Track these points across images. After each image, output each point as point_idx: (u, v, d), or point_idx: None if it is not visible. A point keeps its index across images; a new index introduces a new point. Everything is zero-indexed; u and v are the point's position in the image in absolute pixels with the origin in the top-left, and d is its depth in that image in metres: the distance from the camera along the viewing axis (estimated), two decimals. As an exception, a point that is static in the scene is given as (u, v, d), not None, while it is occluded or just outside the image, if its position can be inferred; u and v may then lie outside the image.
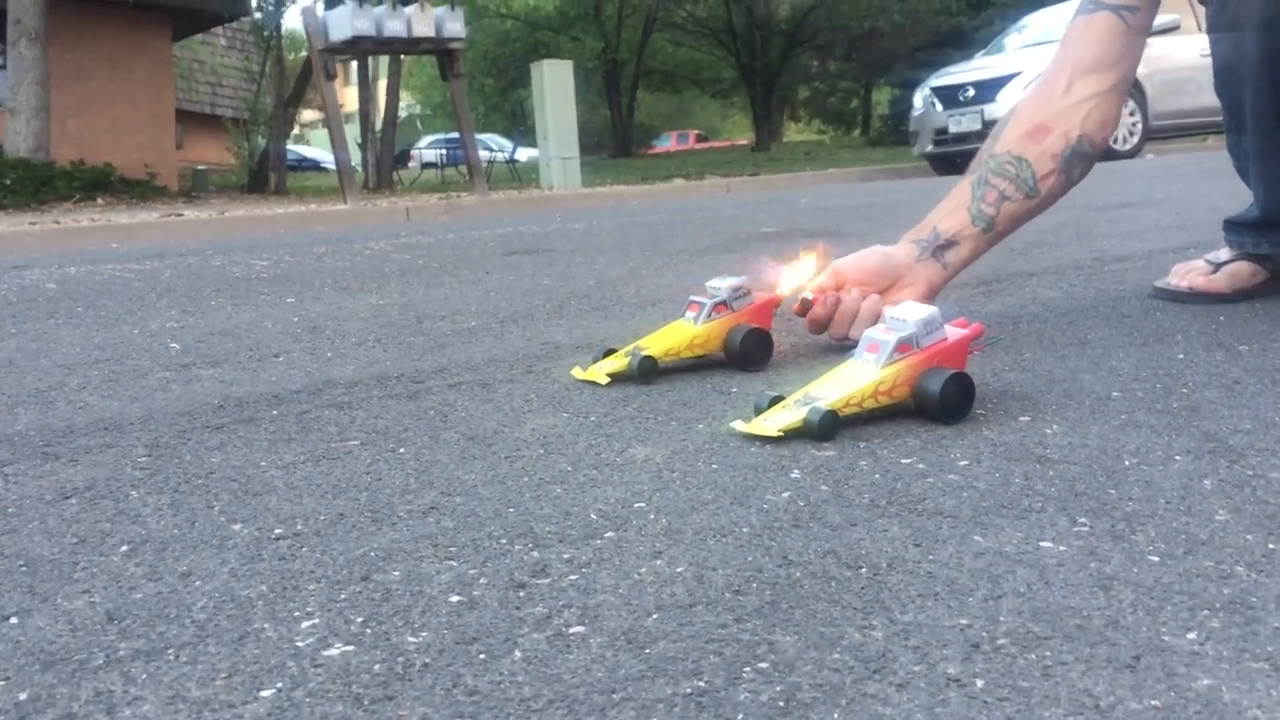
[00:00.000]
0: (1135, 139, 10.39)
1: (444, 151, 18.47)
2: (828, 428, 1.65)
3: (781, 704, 0.95)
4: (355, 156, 14.88)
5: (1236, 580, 1.15)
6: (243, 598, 1.20)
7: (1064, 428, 1.68)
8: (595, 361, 2.14)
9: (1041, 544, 1.26)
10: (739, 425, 1.71)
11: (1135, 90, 10.25)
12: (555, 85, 14.34)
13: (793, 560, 1.24)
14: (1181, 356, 2.09)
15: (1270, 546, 1.23)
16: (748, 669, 1.01)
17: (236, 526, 1.42)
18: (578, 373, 2.14)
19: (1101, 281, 3.00)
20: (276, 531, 1.40)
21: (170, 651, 1.09)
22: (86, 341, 2.73)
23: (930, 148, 11.52)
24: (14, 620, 1.18)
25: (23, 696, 1.02)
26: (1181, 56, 10.57)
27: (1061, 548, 1.25)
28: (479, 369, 2.27)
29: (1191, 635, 1.04)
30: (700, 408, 1.89)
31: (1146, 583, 1.15)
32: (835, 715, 0.93)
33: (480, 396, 2.04)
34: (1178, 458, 1.53)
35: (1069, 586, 1.15)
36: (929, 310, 1.78)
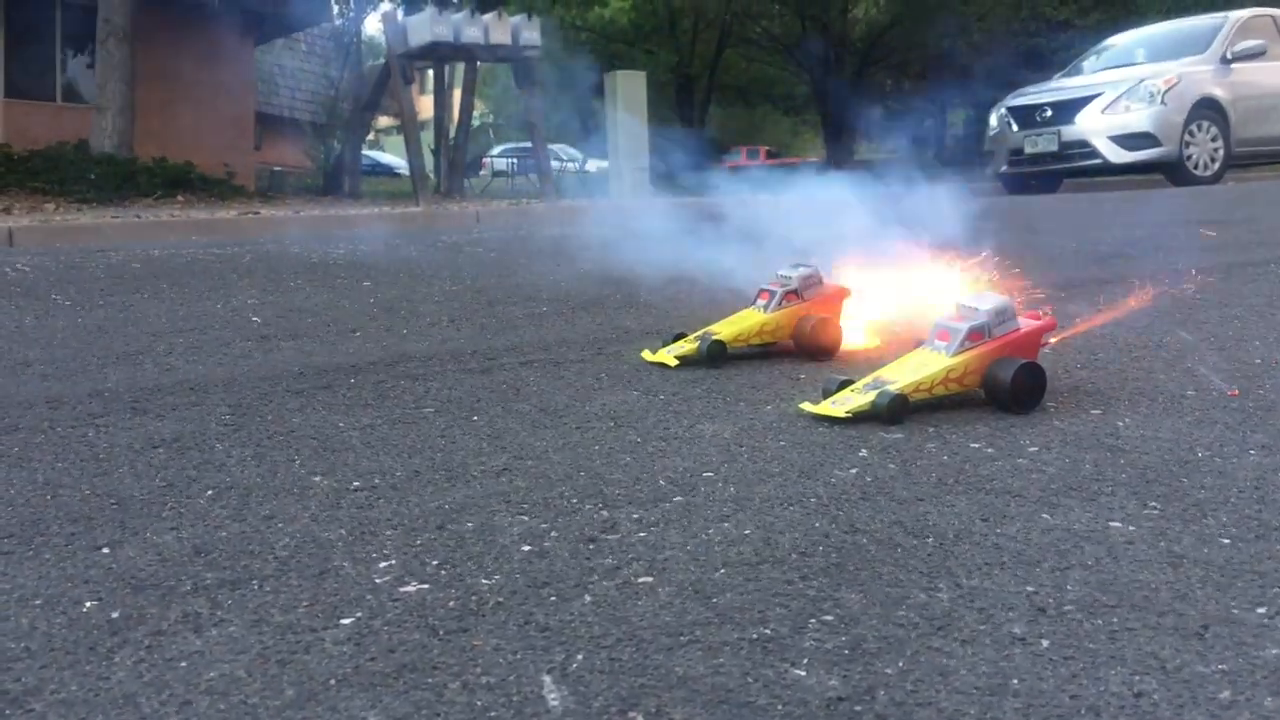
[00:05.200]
0: (1216, 165, 10.18)
1: (515, 160, 18.63)
2: (896, 411, 1.66)
3: (846, 653, 0.96)
4: (428, 163, 15.06)
5: (1311, 564, 1.14)
6: (323, 539, 1.24)
7: (1136, 421, 1.67)
8: (665, 345, 2.17)
9: (1111, 524, 1.26)
10: (807, 406, 1.73)
11: (1218, 115, 10.06)
12: (628, 96, 14.42)
13: (859, 528, 1.25)
14: (1259, 361, 2.06)
15: (1346, 535, 1.22)
16: (813, 621, 1.02)
17: (317, 478, 1.47)
18: (647, 355, 2.17)
19: (1180, 291, 2.96)
20: (355, 484, 1.44)
21: (254, 582, 1.13)
22: (171, 313, 2.82)
23: (1005, 168, 11.40)
24: (105, 550, 1.23)
25: (115, 614, 1.06)
26: (1267, 82, 10.36)
27: (1131, 528, 1.25)
28: (551, 349, 2.31)
29: (1261, 610, 1.03)
30: (769, 390, 1.91)
31: (1217, 562, 1.15)
32: (900, 664, 0.94)
33: (551, 374, 2.08)
34: (1252, 452, 1.52)
35: (1138, 562, 1.15)
36: (1002, 300, 1.78)
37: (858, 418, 1.67)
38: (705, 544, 1.21)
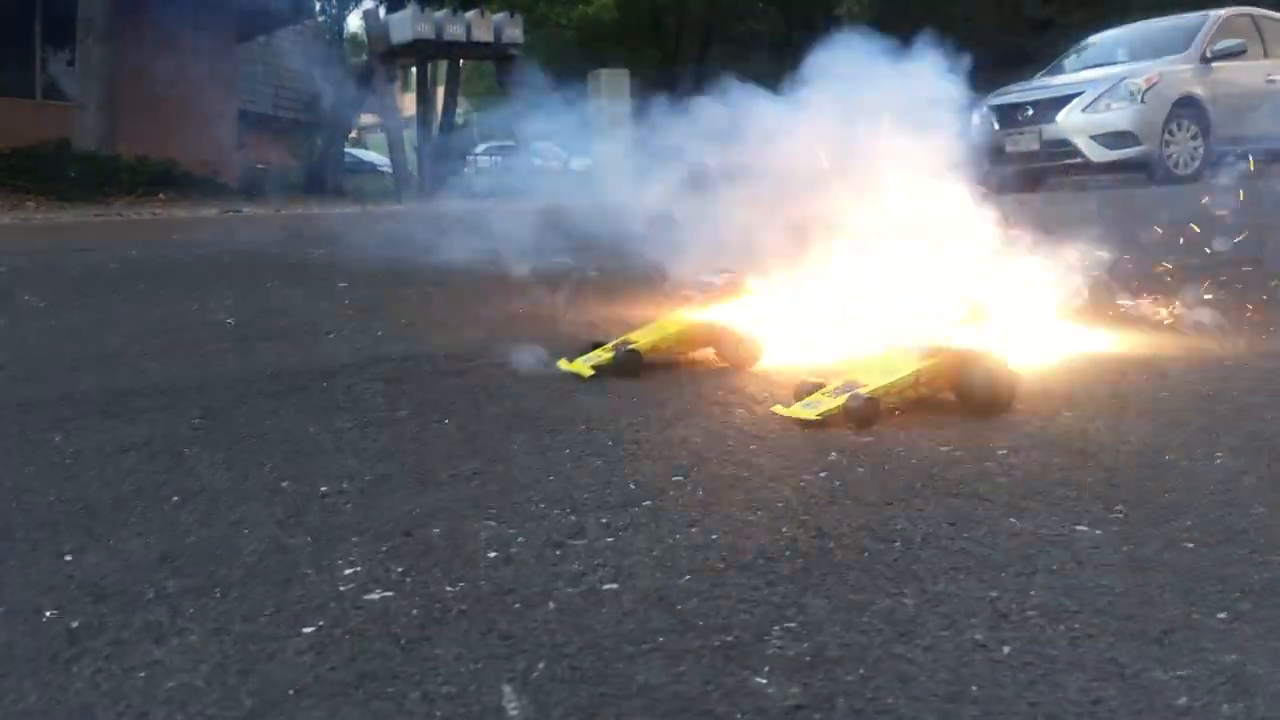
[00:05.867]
0: (1196, 163, 10.22)
1: (499, 158, 18.58)
2: (867, 414, 1.66)
3: (808, 660, 0.96)
4: (412, 161, 15.01)
5: (1271, 568, 1.14)
6: (289, 546, 1.24)
7: (1107, 424, 1.68)
8: (582, 355, 2.09)
9: (1077, 528, 1.26)
10: (779, 409, 1.73)
11: (1198, 114, 10.10)
12: (612, 94, 14.39)
13: (826, 533, 1.25)
14: (1230, 363, 2.07)
15: (1308, 538, 1.22)
16: (777, 628, 1.02)
17: (285, 484, 1.46)
18: (564, 364, 2.10)
19: (1156, 290, 2.95)
20: (323, 489, 1.43)
21: (218, 590, 1.13)
22: (147, 315, 2.80)
23: (985, 167, 11.41)
24: (69, 557, 1.22)
25: (75, 624, 1.06)
26: (1246, 81, 10.41)
27: (1097, 532, 1.25)
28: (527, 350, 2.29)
29: (1222, 615, 1.04)
30: (742, 392, 1.91)
31: (1181, 567, 1.15)
32: (860, 671, 0.94)
33: (525, 376, 2.07)
34: (1220, 455, 1.53)
35: (1102, 567, 1.15)
36: (973, 303, 1.78)
37: (829, 421, 1.67)
38: (671, 550, 1.21)
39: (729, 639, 1.00)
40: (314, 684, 0.92)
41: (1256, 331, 2.34)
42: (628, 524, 1.29)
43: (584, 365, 2.06)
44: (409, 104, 16.81)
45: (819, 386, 1.74)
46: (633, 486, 1.42)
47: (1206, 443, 1.58)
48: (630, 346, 2.07)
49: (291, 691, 0.91)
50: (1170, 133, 10.15)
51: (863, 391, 1.68)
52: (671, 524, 1.29)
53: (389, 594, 1.10)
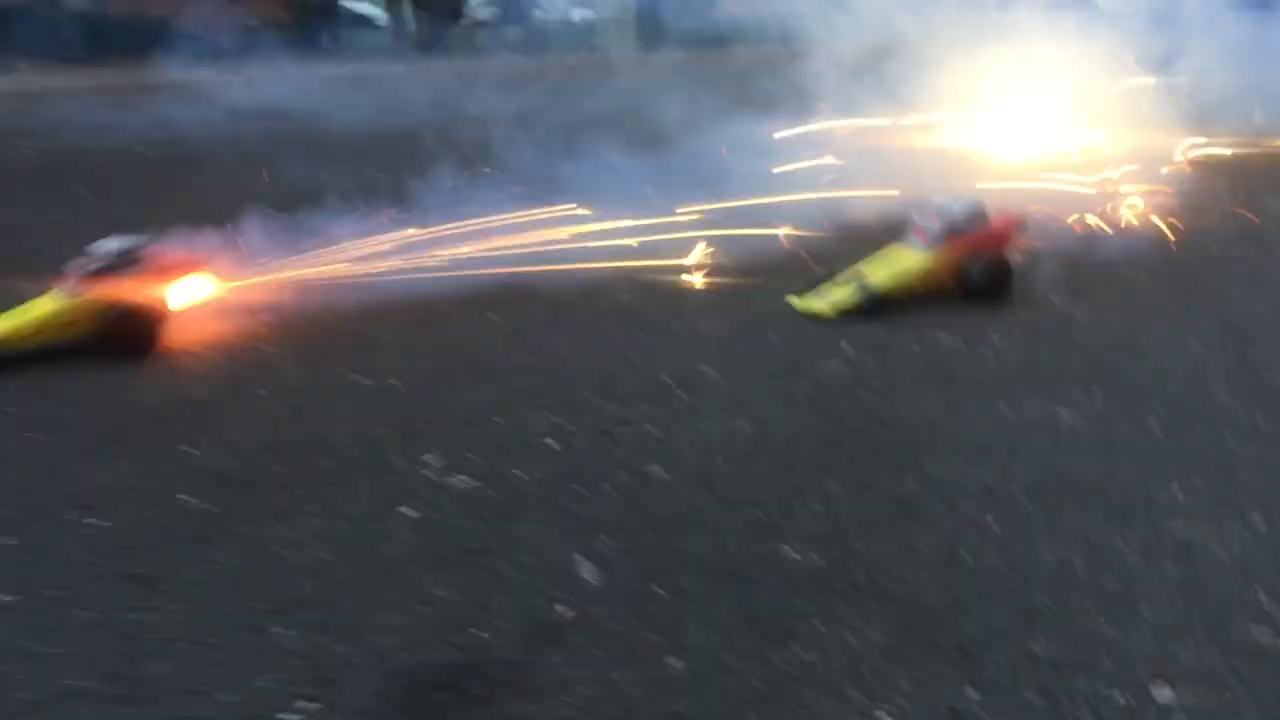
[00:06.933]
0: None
1: (497, 10, 18.21)
2: (876, 306, 1.83)
3: (827, 533, 1.16)
4: (409, 15, 14.76)
5: (1224, 448, 1.34)
6: (375, 437, 1.42)
7: (1091, 311, 1.85)
8: None
9: (1057, 412, 1.45)
10: (793, 299, 1.89)
11: None
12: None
13: (841, 421, 1.44)
14: (1215, 249, 2.23)
15: (1259, 421, 1.41)
16: (800, 506, 1.22)
17: (356, 377, 1.64)
18: None
19: (1155, 182, 3.06)
20: (392, 382, 1.61)
21: (320, 477, 1.32)
22: (195, 201, 2.91)
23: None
24: (187, 448, 1.41)
25: (209, 508, 1.25)
26: None
27: (1074, 415, 1.44)
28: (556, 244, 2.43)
29: (1174, 486, 1.24)
30: (758, 280, 2.05)
31: (1144, 447, 1.35)
32: (871, 543, 1.14)
33: (564, 272, 2.20)
34: (1192, 341, 1.70)
35: (1078, 449, 1.35)
36: (974, 200, 1.94)
37: (840, 312, 1.84)
38: (706, 437, 1.40)
39: (760, 516, 1.19)
40: (423, 557, 1.12)
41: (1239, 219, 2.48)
42: (666, 414, 1.47)
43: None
44: (404, -45, 16.39)
45: (829, 276, 1.91)
46: (667, 379, 1.60)
47: (1180, 329, 1.76)
48: None
49: (407, 564, 1.11)
50: None
51: (871, 284, 1.85)
52: (704, 413, 1.48)
53: (471, 480, 1.29)
